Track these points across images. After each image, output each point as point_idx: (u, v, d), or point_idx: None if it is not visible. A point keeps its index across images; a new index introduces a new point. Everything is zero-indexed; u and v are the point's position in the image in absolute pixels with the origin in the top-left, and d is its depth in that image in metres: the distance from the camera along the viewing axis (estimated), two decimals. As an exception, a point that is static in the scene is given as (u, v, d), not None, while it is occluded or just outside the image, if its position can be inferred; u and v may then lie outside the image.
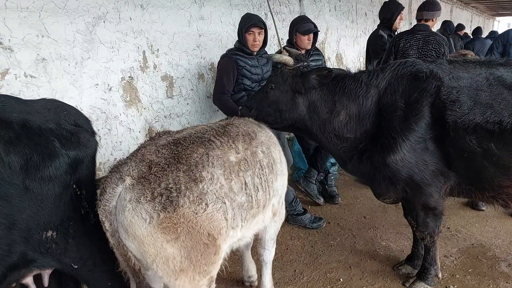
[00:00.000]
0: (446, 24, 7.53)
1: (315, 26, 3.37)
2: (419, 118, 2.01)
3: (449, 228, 3.16)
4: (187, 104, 3.82)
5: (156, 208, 1.37)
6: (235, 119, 2.01)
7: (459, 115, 1.93)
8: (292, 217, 3.25)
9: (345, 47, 6.42)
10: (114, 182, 1.45)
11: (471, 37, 9.43)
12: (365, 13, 6.98)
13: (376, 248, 2.91)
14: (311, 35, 3.28)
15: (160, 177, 1.43)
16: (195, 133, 1.69)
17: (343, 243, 3.00)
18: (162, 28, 3.42)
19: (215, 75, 3.37)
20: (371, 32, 4.61)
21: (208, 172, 1.52)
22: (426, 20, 3.68)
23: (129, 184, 1.42)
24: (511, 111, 1.86)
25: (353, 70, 2.35)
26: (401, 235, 3.06)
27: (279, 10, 4.75)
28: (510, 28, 3.22)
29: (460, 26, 9.33)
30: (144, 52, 3.29)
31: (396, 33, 4.17)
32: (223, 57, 3.04)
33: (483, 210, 3.39)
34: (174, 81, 3.68)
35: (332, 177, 3.86)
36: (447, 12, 13.91)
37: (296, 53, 2.40)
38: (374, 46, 4.12)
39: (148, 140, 1.72)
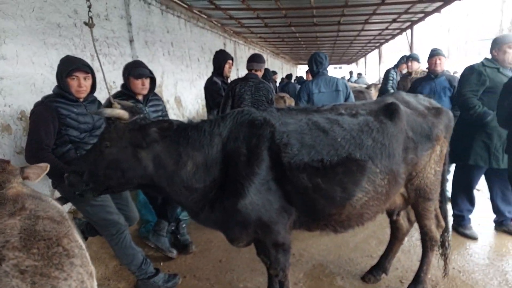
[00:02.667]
0: (266, 71, 8.85)
1: (151, 72, 3.25)
2: (260, 161, 2.13)
3: (294, 254, 3.46)
4: (-13, 164, 2.94)
5: None
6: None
7: (291, 156, 2.15)
8: (143, 282, 2.86)
9: (182, 89, 6.55)
10: None
11: (285, 81, 11.39)
12: (198, 59, 7.39)
13: (235, 292, 2.87)
14: (145, 80, 3.13)
15: None
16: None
17: (202, 296, 2.83)
18: None
19: (27, 126, 2.74)
20: (205, 76, 4.86)
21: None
22: (256, 70, 4.15)
23: None
24: (328, 150, 2.20)
25: (193, 111, 2.34)
26: (256, 272, 3.14)
27: (108, 52, 4.42)
28: (308, 80, 4.12)
29: (274, 72, 11.16)
30: None
31: (228, 79, 4.53)
32: (37, 105, 2.50)
33: None
34: (-39, 137, 2.80)
35: (184, 225, 3.69)
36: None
37: (129, 105, 2.20)
38: (211, 91, 4.35)
39: None
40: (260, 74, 4.15)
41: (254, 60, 4.14)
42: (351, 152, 2.21)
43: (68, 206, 3.53)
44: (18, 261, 1.25)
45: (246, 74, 4.14)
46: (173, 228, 3.53)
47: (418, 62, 5.86)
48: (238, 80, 4.09)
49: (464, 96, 3.51)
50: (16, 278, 1.20)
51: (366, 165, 2.22)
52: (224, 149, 2.18)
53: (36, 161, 2.41)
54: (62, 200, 2.64)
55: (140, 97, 3.25)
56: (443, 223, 2.72)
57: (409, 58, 6.01)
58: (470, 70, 3.57)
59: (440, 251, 2.83)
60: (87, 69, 2.59)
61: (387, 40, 14.82)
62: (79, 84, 2.53)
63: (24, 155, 2.45)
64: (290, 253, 2.38)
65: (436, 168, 2.54)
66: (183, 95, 6.52)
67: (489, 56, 3.59)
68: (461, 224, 3.80)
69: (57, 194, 3.05)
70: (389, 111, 2.40)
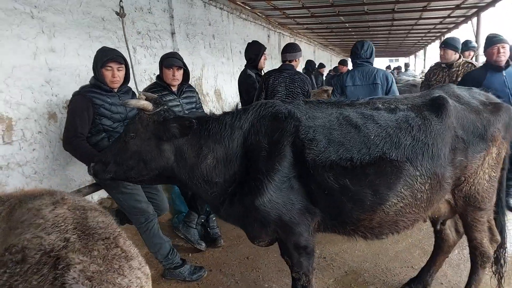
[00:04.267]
0: (308, 63, 8.56)
1: (183, 63, 3.23)
2: (282, 157, 1.99)
3: (325, 258, 3.27)
4: (33, 150, 3.16)
5: None
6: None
7: (317, 153, 1.97)
8: (169, 272, 2.88)
9: (223, 83, 6.54)
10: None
11: (332, 73, 10.95)
12: (240, 51, 7.32)
13: (259, 292, 2.77)
14: (176, 71, 3.11)
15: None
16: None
17: (225, 293, 2.77)
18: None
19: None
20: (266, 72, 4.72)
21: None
22: (290, 61, 3.96)
23: None
24: (359, 148, 1.98)
25: (233, 104, 2.25)
26: (283, 273, 3.00)
27: (149, 45, 4.52)
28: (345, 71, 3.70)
29: (321, 65, 10.76)
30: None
31: (262, 72, 4.38)
32: (75, 94, 2.59)
33: None
34: (13, 123, 3.01)
35: (214, 218, 3.65)
36: (311, 53, 16.00)
37: (154, 97, 2.18)
38: (245, 85, 4.23)
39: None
40: (296, 64, 3.94)
41: (287, 50, 3.92)
42: (385, 151, 1.97)
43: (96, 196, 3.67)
44: (84, 266, 1.07)
45: (281, 65, 3.96)
46: (203, 220, 3.52)
47: (455, 50, 4.44)
48: (272, 72, 3.92)
49: None
50: (86, 286, 1.03)
51: (403, 166, 1.96)
52: (245, 143, 2.07)
53: (71, 148, 2.52)
54: (95, 186, 2.72)
55: (174, 89, 3.25)
56: (498, 237, 2.35)
57: (441, 46, 4.57)
58: None
59: (494, 268, 2.45)
60: (121, 60, 2.62)
61: (449, 30, 13.52)
62: (113, 75, 2.57)
63: (62, 142, 2.56)
64: (314, 256, 2.21)
65: (491, 173, 2.18)
66: (223, 88, 6.52)
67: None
68: None
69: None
70: (435, 106, 2.11)
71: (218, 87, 6.40)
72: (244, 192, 2.02)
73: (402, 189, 1.97)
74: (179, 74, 3.18)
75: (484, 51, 3.88)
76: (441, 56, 4.53)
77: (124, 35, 2.31)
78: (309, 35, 15.11)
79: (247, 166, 2.04)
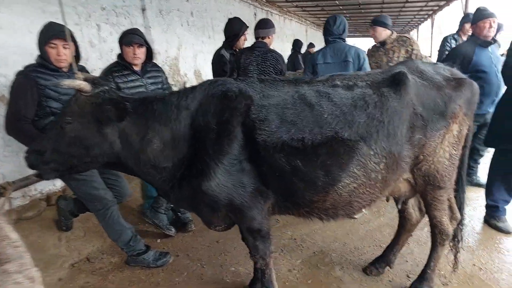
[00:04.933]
0: (295, 42, 8.33)
1: (145, 40, 3.07)
2: (231, 139, 1.90)
3: (295, 239, 3.24)
4: (-19, 136, 3.03)
5: None
6: None
7: (268, 134, 1.88)
8: (132, 259, 2.84)
9: (203, 63, 6.35)
10: None
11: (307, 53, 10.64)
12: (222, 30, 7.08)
13: (224, 275, 2.74)
14: (137, 48, 2.95)
15: None
16: None
17: (189, 277, 2.73)
18: None
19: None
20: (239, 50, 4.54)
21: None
22: (263, 38, 3.80)
23: None
24: (311, 128, 1.89)
25: None
26: (251, 255, 2.98)
27: (116, 22, 4.31)
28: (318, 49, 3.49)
29: (311, 45, 10.50)
30: None
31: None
32: (17, 74, 2.41)
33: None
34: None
35: (185, 202, 3.60)
36: (303, 33, 15.64)
37: (92, 77, 2.04)
38: (216, 66, 4.07)
39: None
40: (269, 41, 3.78)
41: (260, 26, 3.75)
42: (338, 130, 1.89)
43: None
44: None
45: (253, 43, 3.81)
46: (172, 205, 3.46)
47: (384, 27, 4.07)
48: (243, 50, 3.78)
49: None
50: None
51: (356, 146, 1.89)
52: (193, 124, 1.97)
53: (14, 133, 2.39)
54: (40, 176, 2.62)
55: (137, 68, 3.10)
56: (458, 215, 2.31)
57: (370, 25, 4.20)
58: None
59: (451, 244, 2.43)
60: (65, 36, 2.43)
61: (440, 8, 13.24)
62: (58, 53, 2.41)
63: (4, 126, 2.43)
64: (270, 240, 2.16)
65: (451, 151, 2.11)
66: (204, 68, 6.33)
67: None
68: (494, 216, 3.28)
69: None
70: (394, 82, 2.01)
71: (198, 67, 6.22)
72: (192, 176, 1.94)
73: (355, 169, 1.90)
74: (140, 52, 3.02)
75: (473, 24, 3.69)
76: (372, 36, 4.26)
77: (61, 7, 2.12)
78: (299, 14, 14.70)
79: (196, 149, 1.95)
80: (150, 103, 2.01)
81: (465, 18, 4.94)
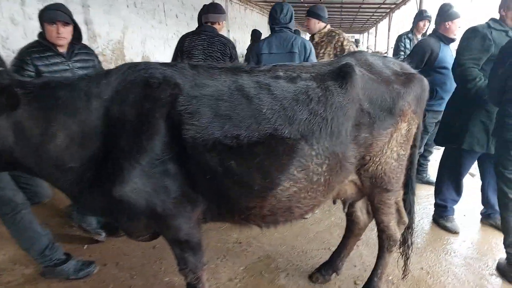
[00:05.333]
0: (254, 32, 8.08)
1: (72, 18, 2.65)
2: (152, 134, 1.59)
3: (240, 243, 3.01)
4: None
5: None
6: None
7: (197, 129, 1.61)
8: (48, 270, 2.45)
9: (153, 49, 5.89)
10: None
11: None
12: (176, 15, 6.64)
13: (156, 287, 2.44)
14: (62, 27, 2.53)
15: None
16: None
17: (115, 291, 2.41)
18: None
19: None
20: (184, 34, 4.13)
21: None
22: (212, 23, 3.49)
23: None
24: (248, 124, 1.64)
25: None
26: (190, 262, 2.70)
27: (44, -1, 3.78)
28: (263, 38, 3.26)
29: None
30: None
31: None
32: None
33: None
34: None
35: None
36: (264, 24, 15.42)
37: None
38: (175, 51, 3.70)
39: None
40: (219, 27, 3.47)
41: (210, 10, 3.43)
42: (277, 127, 1.65)
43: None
44: None
45: (200, 27, 3.47)
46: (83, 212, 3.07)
47: (318, 18, 3.82)
48: (188, 34, 3.44)
49: (463, 66, 2.83)
50: None
51: (297, 145, 1.67)
52: (107, 116, 1.63)
53: None
54: None
55: (62, 50, 2.68)
56: (406, 219, 2.19)
57: (306, 16, 3.94)
58: (472, 33, 2.87)
59: (401, 249, 2.32)
60: None
61: (397, 6, 13.63)
62: None
63: None
64: (202, 251, 1.89)
65: (399, 151, 1.97)
66: (154, 55, 5.89)
67: (497, 17, 2.88)
68: (442, 216, 3.27)
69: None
70: (340, 75, 1.81)
71: (146, 53, 5.76)
72: (103, 179, 1.62)
73: (296, 171, 1.68)
74: (66, 31, 2.61)
75: (443, 23, 3.66)
76: (307, 28, 4.00)
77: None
78: (261, 4, 14.48)
79: (109, 146, 1.63)
80: (53, 89, 1.64)
81: (419, 16, 4.88)
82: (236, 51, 3.50)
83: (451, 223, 3.21)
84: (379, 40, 21.03)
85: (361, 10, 15.35)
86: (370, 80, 1.86)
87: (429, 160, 4.34)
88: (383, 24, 19.61)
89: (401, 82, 1.93)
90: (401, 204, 2.16)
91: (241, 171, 1.64)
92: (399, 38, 4.97)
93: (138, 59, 5.52)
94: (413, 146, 2.10)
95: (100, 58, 4.88)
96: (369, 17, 18.08)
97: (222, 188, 1.68)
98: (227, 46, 3.38)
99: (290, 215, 1.83)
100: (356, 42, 15.75)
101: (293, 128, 1.67)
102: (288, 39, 3.07)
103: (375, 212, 2.10)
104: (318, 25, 3.77)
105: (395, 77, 1.94)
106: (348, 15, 16.96)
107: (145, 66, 1.71)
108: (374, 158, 1.89)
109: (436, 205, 3.33)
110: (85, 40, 4.58)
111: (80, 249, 2.85)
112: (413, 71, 2.07)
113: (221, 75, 1.79)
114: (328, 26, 3.83)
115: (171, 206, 1.66)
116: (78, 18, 4.42)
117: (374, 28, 22.35)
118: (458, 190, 3.21)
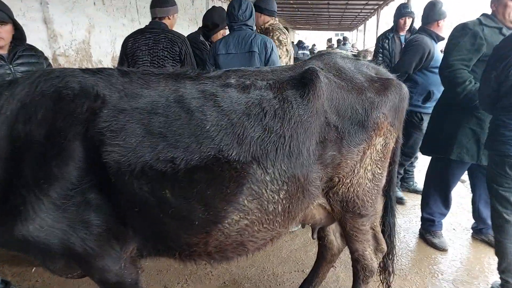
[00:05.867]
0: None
1: (10, 16, 2.31)
2: (64, 159, 1.28)
3: (206, 264, 2.70)
4: None
5: None
6: None
7: (123, 152, 1.30)
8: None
9: (125, 49, 5.53)
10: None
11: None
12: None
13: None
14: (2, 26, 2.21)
15: None
16: None
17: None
18: None
19: None
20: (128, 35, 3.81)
21: None
22: (161, 18, 3.10)
23: None
24: (187, 144, 1.34)
25: None
26: (162, 275, 2.40)
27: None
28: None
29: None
30: None
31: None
32: None
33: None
34: None
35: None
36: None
37: None
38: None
39: None
40: (170, 22, 3.10)
41: (156, 4, 3.03)
42: (223, 148, 1.36)
43: None
44: None
45: (146, 25, 3.10)
46: None
47: (262, 12, 3.41)
48: (132, 34, 3.06)
49: (451, 67, 2.56)
50: None
51: (247, 169, 1.37)
52: (11, 136, 1.32)
53: None
54: None
55: (2, 51, 2.34)
56: (384, 246, 1.91)
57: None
58: (461, 31, 2.59)
59: (381, 277, 2.05)
60: None
61: (386, 2, 13.40)
62: None
63: None
64: (139, 292, 1.58)
65: (375, 170, 1.69)
66: (126, 55, 5.52)
67: (489, 12, 2.62)
68: (429, 231, 3.01)
69: None
70: (301, 83, 1.52)
71: (117, 53, 5.38)
72: (4, 215, 1.30)
73: (246, 201, 1.39)
74: (4, 31, 2.27)
75: (433, 22, 3.46)
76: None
77: None
78: None
79: (13, 174, 1.31)
80: None
81: (398, 12, 4.29)
82: (189, 48, 3.12)
83: (439, 239, 2.95)
84: (368, 38, 20.86)
85: (348, 6, 15.09)
86: (338, 88, 1.57)
87: (415, 167, 4.09)
88: (372, 21, 19.43)
89: (376, 89, 1.64)
90: (378, 229, 1.89)
91: (177, 202, 1.34)
92: (379, 38, 4.61)
93: (107, 59, 5.16)
94: (392, 163, 1.83)
95: (62, 59, 4.55)
96: (357, 14, 17.84)
97: (156, 223, 1.38)
98: (175, 43, 2.98)
99: (244, 251, 1.53)
100: (344, 39, 15.46)
101: (243, 148, 1.37)
102: (246, 38, 2.75)
103: (348, 239, 1.82)
104: (261, 18, 3.34)
105: (368, 83, 1.65)
106: (336, 12, 16.71)
107: (61, 74, 1.40)
108: (344, 180, 1.61)
109: (422, 219, 3.07)
110: (44, 40, 4.24)
111: (28, 272, 2.53)
112: (390, 76, 1.79)
113: (160, 83, 1.49)
114: (272, 21, 3.37)
115: (93, 244, 1.36)
116: (36, 16, 4.08)
117: (363, 25, 22.17)
118: (447, 203, 2.95)
